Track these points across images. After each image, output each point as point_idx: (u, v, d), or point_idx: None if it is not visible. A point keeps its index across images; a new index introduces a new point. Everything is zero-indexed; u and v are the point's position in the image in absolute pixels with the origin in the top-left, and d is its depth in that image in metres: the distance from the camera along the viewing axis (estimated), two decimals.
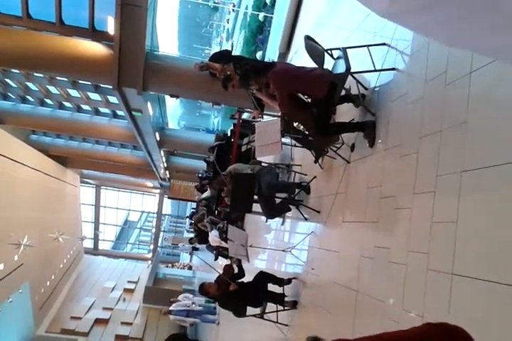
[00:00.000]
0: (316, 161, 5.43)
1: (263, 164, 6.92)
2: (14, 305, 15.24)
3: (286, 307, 5.71)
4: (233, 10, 31.14)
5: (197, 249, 15.39)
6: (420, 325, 0.99)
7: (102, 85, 14.24)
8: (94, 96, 16.40)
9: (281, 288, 5.91)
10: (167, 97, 14.12)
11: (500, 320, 2.15)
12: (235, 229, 6.85)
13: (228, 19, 33.82)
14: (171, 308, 11.70)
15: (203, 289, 6.31)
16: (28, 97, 17.50)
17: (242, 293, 5.99)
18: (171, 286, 24.62)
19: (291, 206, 6.16)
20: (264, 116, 7.47)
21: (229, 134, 11.06)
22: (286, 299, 5.78)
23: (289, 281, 5.88)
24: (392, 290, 3.20)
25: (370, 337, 0.95)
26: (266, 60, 11.78)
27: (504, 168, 2.24)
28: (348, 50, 4.11)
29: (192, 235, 17.64)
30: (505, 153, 2.27)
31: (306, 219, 5.80)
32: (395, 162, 3.54)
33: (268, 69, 4.33)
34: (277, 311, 5.73)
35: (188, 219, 20.90)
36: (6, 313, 14.88)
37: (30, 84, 16.20)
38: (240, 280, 6.41)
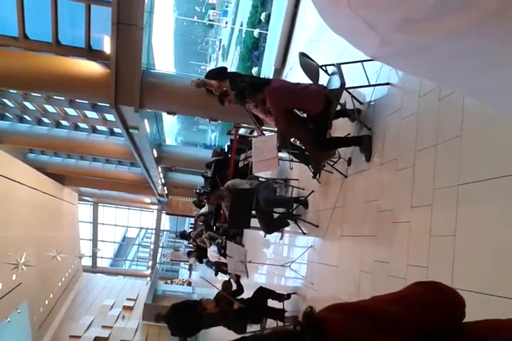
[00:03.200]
0: (314, 176, 5.45)
1: (261, 179, 6.94)
2: (12, 325, 15.04)
3: (286, 323, 5.67)
4: (225, 26, 31.76)
5: (201, 262, 15.02)
6: (413, 285, 1.01)
7: (98, 103, 14.30)
8: (91, 114, 16.43)
9: (281, 303, 5.88)
10: (164, 114, 14.18)
11: None
12: (233, 245, 6.84)
13: (221, 44, 34.49)
14: None
15: (201, 306, 6.24)
16: (25, 116, 17.53)
17: (241, 309, 5.95)
18: (170, 303, 24.32)
19: (289, 221, 6.16)
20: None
21: (226, 150, 11.10)
22: (286, 314, 5.75)
23: (288, 296, 5.85)
24: None
25: (372, 298, 0.96)
26: (261, 76, 11.87)
27: (500, 180, 2.26)
28: (342, 65, 4.17)
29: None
30: (501, 165, 2.29)
31: (304, 233, 5.80)
32: (391, 176, 3.57)
33: (264, 86, 4.37)
34: (277, 327, 5.69)
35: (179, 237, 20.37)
36: (5, 333, 14.73)
37: (27, 104, 16.25)
38: (239, 297, 6.37)
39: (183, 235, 18.93)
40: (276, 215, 6.16)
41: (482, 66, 0.71)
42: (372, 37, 0.70)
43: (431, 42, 0.67)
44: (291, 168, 6.86)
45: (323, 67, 4.40)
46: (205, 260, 13.10)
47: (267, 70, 11.83)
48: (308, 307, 0.88)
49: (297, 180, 6.68)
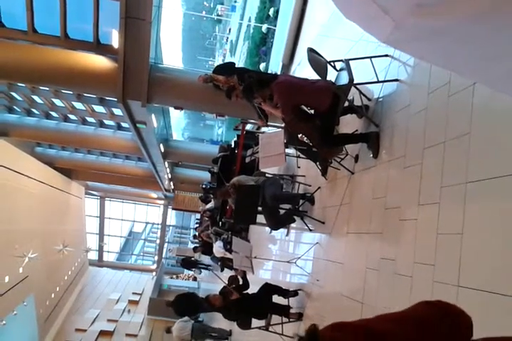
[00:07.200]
0: (323, 174, 5.42)
1: (267, 175, 6.92)
2: (19, 317, 15.15)
3: (291, 319, 5.67)
4: (226, 41, 32.22)
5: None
6: (418, 304, 1.00)
7: (106, 98, 14.32)
8: (99, 108, 16.47)
9: (287, 299, 5.88)
10: (171, 109, 14.18)
11: (506, 332, 2.13)
12: (239, 241, 6.83)
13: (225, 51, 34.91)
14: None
15: (208, 302, 6.27)
16: (34, 110, 17.60)
17: (247, 305, 5.96)
18: None
19: (295, 217, 6.15)
20: (269, 127, 7.50)
21: (233, 145, 11.09)
22: (291, 311, 5.75)
23: (295, 293, 5.85)
24: (397, 302, 3.18)
25: (376, 317, 0.95)
26: (269, 71, 11.84)
27: (509, 179, 2.23)
28: (350, 61, 4.14)
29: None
30: (510, 163, 2.27)
31: (310, 230, 5.79)
32: (399, 173, 3.54)
33: (271, 82, 4.35)
34: (282, 323, 5.69)
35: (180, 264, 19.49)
36: (11, 326, 14.82)
37: (35, 97, 16.31)
38: (245, 292, 6.38)
39: (187, 262, 18.50)
40: (282, 211, 6.15)
41: (496, 53, 0.69)
42: (386, 21, 0.68)
43: (444, 27, 0.66)
44: (299, 167, 6.85)
45: (332, 63, 4.38)
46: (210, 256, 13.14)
47: (274, 66, 11.79)
48: (311, 324, 0.87)
49: (304, 176, 6.66)
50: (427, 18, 0.64)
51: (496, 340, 1.01)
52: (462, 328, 0.95)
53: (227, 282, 6.84)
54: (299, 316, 5.62)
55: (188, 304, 7.19)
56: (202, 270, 19.95)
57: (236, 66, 7.62)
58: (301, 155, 5.70)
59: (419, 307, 0.98)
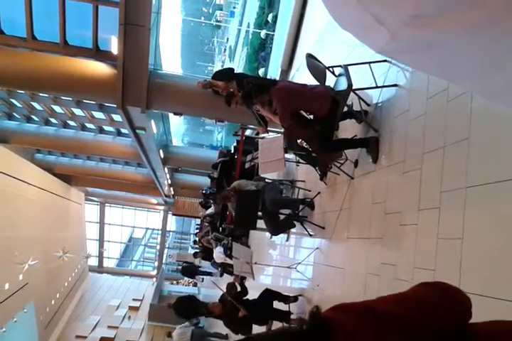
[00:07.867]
0: (321, 178, 5.42)
1: (267, 180, 6.92)
2: (19, 324, 15.08)
3: (292, 325, 5.64)
4: (225, 50, 32.50)
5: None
6: (419, 285, 1.01)
7: (106, 104, 14.33)
8: (99, 114, 16.48)
9: (287, 305, 5.86)
10: (171, 115, 14.19)
11: None
12: (239, 247, 6.83)
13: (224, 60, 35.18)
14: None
15: (207, 309, 6.26)
16: (33, 117, 17.60)
17: (247, 311, 5.94)
18: None
19: (295, 222, 6.14)
20: (269, 133, 7.49)
21: (232, 151, 11.09)
22: (292, 316, 5.73)
23: (295, 299, 5.83)
24: None
25: (378, 298, 0.95)
26: (268, 77, 11.87)
27: (508, 183, 2.23)
28: (349, 67, 4.15)
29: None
30: (509, 168, 2.27)
31: (310, 235, 5.78)
32: (398, 178, 3.54)
33: (270, 87, 4.36)
34: None
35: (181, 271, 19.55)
36: (11, 333, 14.75)
37: (35, 104, 16.31)
38: (244, 298, 6.36)
39: (187, 269, 18.46)
40: (282, 217, 6.15)
41: (495, 63, 0.70)
42: (381, 32, 0.68)
43: (441, 38, 0.66)
44: (298, 165, 6.85)
45: (330, 69, 4.39)
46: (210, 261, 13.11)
47: (273, 71, 11.81)
48: (314, 306, 0.88)
49: (303, 181, 6.66)
50: (423, 29, 0.65)
51: (494, 324, 1.01)
52: (462, 308, 0.96)
53: (225, 289, 6.82)
54: None
55: (188, 306, 7.46)
56: (203, 278, 19.90)
57: (235, 72, 7.63)
58: (301, 161, 5.70)
59: (420, 288, 0.99)
